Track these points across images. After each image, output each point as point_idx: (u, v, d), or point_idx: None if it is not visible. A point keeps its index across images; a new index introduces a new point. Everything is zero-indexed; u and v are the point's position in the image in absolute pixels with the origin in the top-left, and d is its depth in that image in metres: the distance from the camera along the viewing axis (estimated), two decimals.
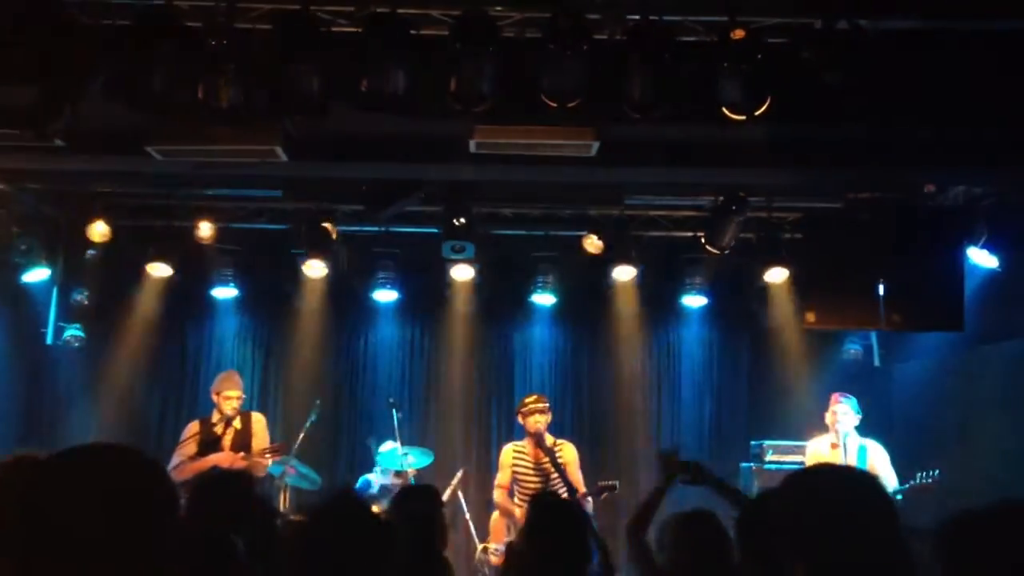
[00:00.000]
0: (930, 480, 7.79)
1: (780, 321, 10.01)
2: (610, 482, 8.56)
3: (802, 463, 8.75)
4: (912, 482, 7.90)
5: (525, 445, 8.59)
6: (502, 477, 8.62)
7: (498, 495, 8.63)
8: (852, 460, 8.16)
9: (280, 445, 8.49)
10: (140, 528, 1.80)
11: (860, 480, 2.29)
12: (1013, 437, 8.46)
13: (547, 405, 8.59)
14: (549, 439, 8.55)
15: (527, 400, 8.71)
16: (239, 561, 2.98)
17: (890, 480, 8.15)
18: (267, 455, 8.31)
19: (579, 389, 11.12)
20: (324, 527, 2.44)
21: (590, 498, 8.28)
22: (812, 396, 9.95)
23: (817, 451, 8.53)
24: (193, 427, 8.57)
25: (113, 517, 1.78)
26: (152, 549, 1.81)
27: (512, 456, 8.61)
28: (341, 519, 2.42)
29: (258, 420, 8.70)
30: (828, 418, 8.39)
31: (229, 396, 8.53)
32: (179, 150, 7.10)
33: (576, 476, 8.42)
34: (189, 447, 8.33)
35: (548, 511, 4.60)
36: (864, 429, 8.40)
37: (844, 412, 8.29)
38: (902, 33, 6.19)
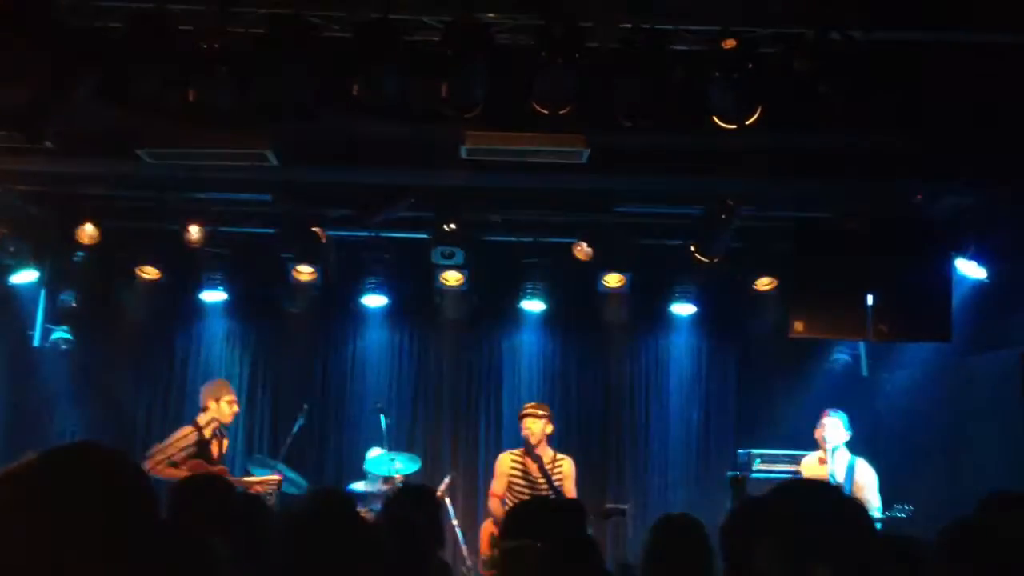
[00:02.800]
0: (904, 515, 7.77)
1: (768, 330, 10.02)
2: (620, 506, 8.64)
3: (790, 472, 8.76)
4: (888, 513, 7.89)
5: (522, 454, 8.55)
6: (497, 485, 8.52)
7: (493, 504, 8.53)
8: (840, 475, 8.15)
9: (276, 481, 8.58)
10: (119, 529, 1.79)
11: (846, 498, 2.30)
12: (1000, 448, 8.48)
13: (544, 413, 8.51)
14: (549, 453, 8.51)
15: (525, 406, 8.70)
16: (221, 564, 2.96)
17: (873, 502, 8.13)
18: (260, 487, 8.40)
19: (567, 396, 11.09)
20: (308, 527, 2.44)
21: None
22: (800, 405, 9.96)
23: (807, 466, 8.52)
24: (191, 434, 8.53)
25: (92, 517, 1.78)
26: (131, 550, 1.80)
27: (510, 465, 8.53)
28: (325, 519, 2.41)
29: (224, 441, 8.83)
30: (816, 433, 8.38)
31: (232, 400, 8.59)
32: (169, 153, 7.09)
33: (572, 492, 8.36)
34: (176, 451, 8.36)
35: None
36: (851, 440, 8.41)
37: (832, 426, 8.28)
38: (893, 44, 6.21)
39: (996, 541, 2.54)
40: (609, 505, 8.69)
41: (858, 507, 2.24)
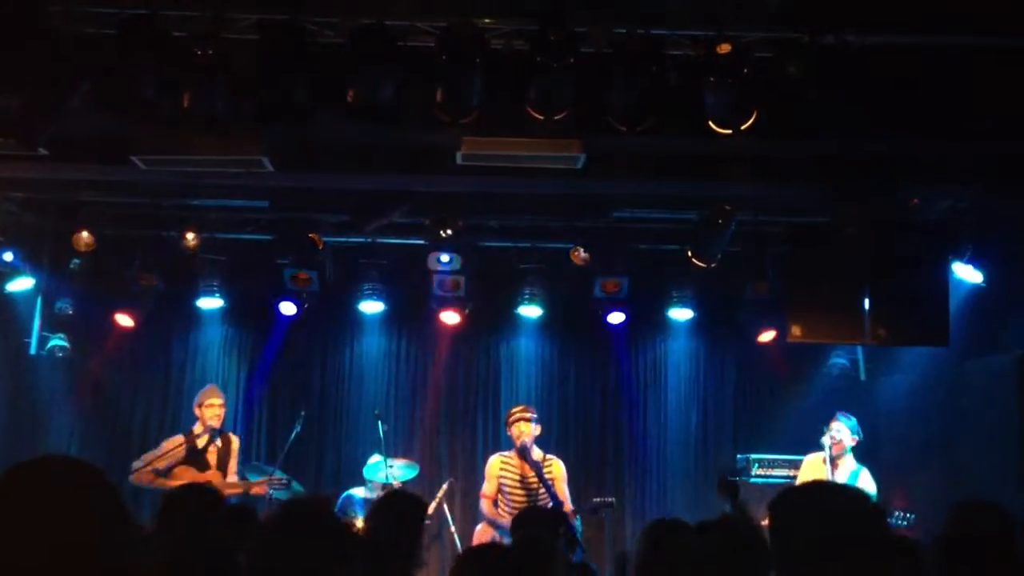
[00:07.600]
0: (904, 523, 7.76)
1: (766, 335, 10.01)
2: (607, 499, 8.63)
3: (788, 477, 8.75)
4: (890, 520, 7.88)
5: (512, 457, 8.55)
6: (488, 487, 8.57)
7: (484, 505, 8.58)
8: (841, 481, 8.13)
9: (283, 480, 8.59)
10: (85, 542, 1.78)
11: (856, 498, 2.27)
12: (997, 451, 8.47)
13: (533, 415, 8.56)
14: (538, 453, 8.52)
15: (513, 410, 8.71)
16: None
17: None
18: (268, 485, 8.37)
19: (565, 401, 11.08)
20: (284, 533, 2.43)
21: (579, 514, 8.31)
22: (798, 410, 9.95)
23: (811, 465, 8.48)
24: (177, 439, 8.59)
25: (57, 532, 1.76)
26: (99, 563, 1.78)
27: (499, 467, 8.57)
28: (302, 525, 2.40)
29: (235, 440, 8.83)
30: (825, 438, 8.30)
31: (212, 404, 8.62)
32: (164, 159, 7.07)
33: (563, 492, 8.37)
34: (162, 461, 8.40)
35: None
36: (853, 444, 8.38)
37: (837, 429, 8.25)
38: (888, 48, 6.21)
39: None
40: (595, 499, 8.71)
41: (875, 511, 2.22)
